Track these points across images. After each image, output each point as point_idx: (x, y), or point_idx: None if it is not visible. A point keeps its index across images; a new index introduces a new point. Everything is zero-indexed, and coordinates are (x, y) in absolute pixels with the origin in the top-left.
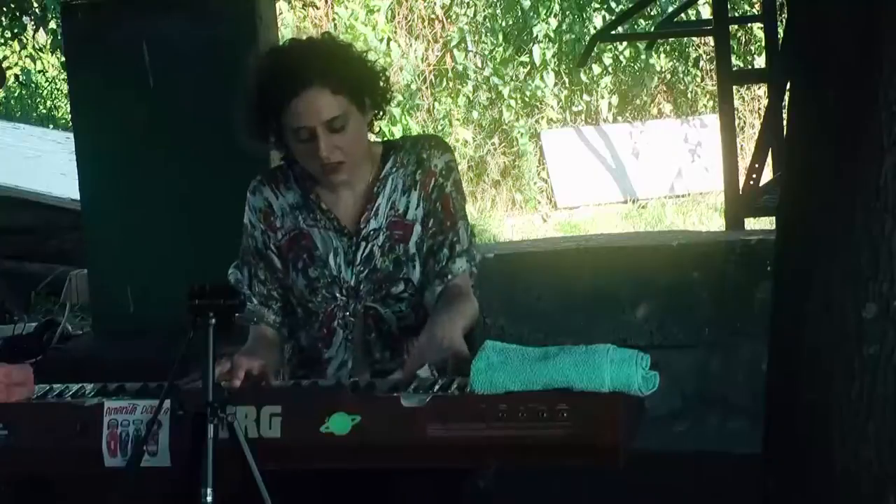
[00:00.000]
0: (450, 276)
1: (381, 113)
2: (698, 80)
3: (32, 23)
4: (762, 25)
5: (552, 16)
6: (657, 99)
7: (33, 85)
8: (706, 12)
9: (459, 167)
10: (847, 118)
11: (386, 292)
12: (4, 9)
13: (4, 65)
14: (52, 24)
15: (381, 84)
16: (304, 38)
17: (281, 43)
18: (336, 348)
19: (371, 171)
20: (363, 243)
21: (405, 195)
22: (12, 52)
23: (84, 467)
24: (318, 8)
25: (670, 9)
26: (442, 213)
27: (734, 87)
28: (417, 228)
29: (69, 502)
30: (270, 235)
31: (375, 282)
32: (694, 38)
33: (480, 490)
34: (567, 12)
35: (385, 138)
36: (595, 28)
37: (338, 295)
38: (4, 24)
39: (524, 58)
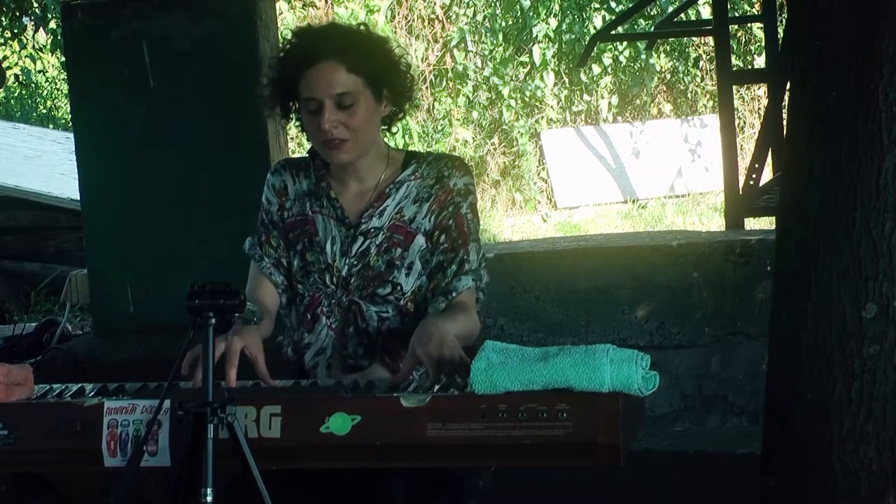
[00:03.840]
0: (454, 294)
1: (400, 113)
2: (698, 80)
3: (32, 23)
4: (762, 25)
5: (552, 16)
6: (657, 99)
7: (33, 85)
8: (706, 12)
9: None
10: (847, 118)
11: (373, 290)
12: (4, 9)
13: (4, 65)
14: (52, 24)
15: (405, 82)
16: (340, 23)
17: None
18: (316, 335)
19: (384, 170)
20: (361, 238)
21: (416, 204)
22: (12, 52)
23: (84, 467)
24: (318, 8)
25: (670, 9)
26: (455, 230)
27: (734, 87)
28: (420, 240)
29: (69, 502)
30: (283, 212)
31: (365, 278)
32: (694, 38)
33: (480, 490)
34: (567, 12)
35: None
36: (595, 28)
37: (328, 282)
38: (4, 24)
39: (524, 58)
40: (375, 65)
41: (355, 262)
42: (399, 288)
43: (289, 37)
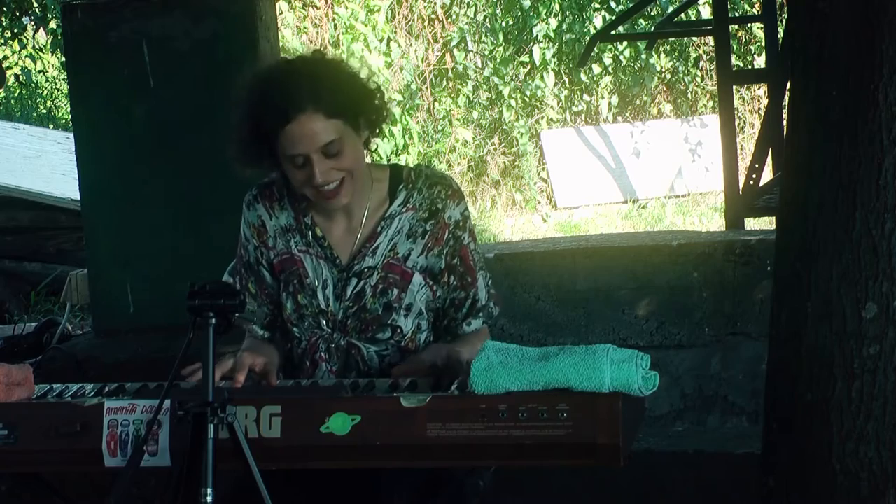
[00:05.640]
0: (461, 336)
1: (377, 132)
2: (698, 80)
3: (32, 23)
4: (762, 25)
5: (552, 16)
6: (657, 99)
7: (33, 85)
8: (706, 12)
9: (459, 168)
10: (847, 118)
11: (372, 335)
12: (4, 9)
13: (4, 65)
14: (52, 24)
15: (376, 103)
16: (292, 58)
17: (267, 66)
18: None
19: (370, 194)
20: (355, 279)
21: (409, 240)
22: (12, 52)
23: (84, 467)
24: (318, 8)
25: (670, 9)
26: (462, 267)
27: (734, 87)
28: (418, 279)
29: (69, 502)
30: (263, 252)
31: (363, 321)
32: (694, 38)
33: (480, 490)
34: (567, 12)
35: (391, 157)
36: (595, 28)
37: (324, 326)
38: (4, 24)
39: (524, 58)
40: (350, 101)
41: (351, 305)
42: (399, 331)
43: (254, 88)
